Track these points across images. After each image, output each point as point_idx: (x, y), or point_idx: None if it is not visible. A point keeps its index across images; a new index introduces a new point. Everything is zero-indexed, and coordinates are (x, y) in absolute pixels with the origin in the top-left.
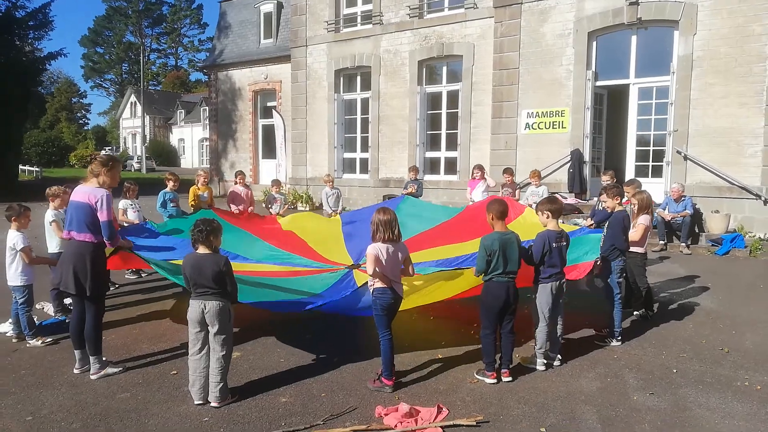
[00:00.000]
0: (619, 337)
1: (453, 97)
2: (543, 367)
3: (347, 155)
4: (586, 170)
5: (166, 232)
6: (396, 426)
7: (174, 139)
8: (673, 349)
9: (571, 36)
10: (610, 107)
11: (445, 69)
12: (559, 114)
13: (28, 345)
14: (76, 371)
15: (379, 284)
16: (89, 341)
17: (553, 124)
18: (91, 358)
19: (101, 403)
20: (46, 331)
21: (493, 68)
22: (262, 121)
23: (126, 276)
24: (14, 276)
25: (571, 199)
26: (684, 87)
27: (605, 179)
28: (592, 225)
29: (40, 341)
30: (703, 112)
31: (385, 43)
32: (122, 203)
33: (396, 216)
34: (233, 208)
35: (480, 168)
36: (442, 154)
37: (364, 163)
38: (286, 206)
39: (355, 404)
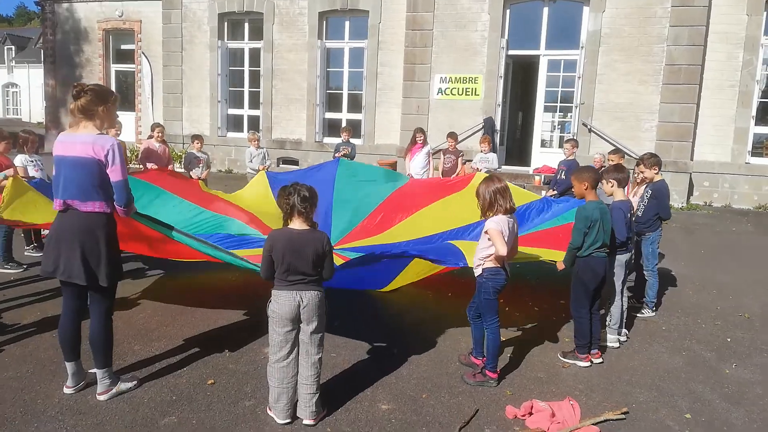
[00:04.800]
0: (654, 308)
1: (356, 55)
2: (617, 344)
3: (233, 111)
4: (497, 139)
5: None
6: (548, 429)
7: (1, 83)
8: (702, 317)
9: (486, 1)
10: (515, 77)
11: (348, 24)
12: (473, 81)
13: None
14: (68, 391)
15: (490, 264)
16: (98, 349)
17: (466, 91)
18: (99, 373)
19: None
20: None
21: (406, 28)
22: (115, 67)
23: (26, 253)
24: None
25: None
26: (591, 62)
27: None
28: (554, 195)
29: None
30: (607, 87)
31: None
32: (20, 159)
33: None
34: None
35: (422, 132)
36: (344, 115)
37: (254, 121)
38: (208, 170)
39: (470, 404)
